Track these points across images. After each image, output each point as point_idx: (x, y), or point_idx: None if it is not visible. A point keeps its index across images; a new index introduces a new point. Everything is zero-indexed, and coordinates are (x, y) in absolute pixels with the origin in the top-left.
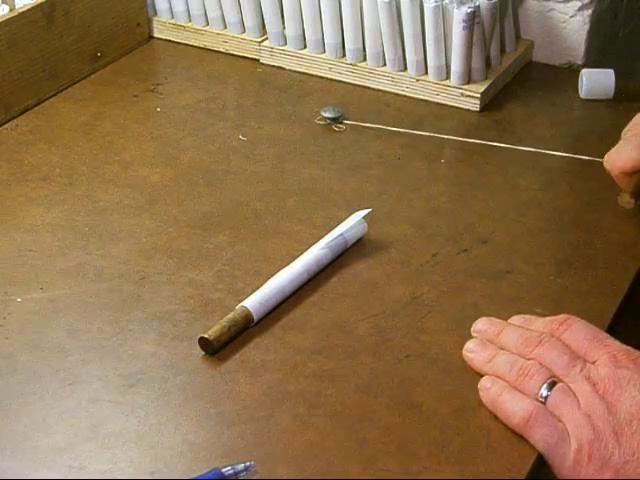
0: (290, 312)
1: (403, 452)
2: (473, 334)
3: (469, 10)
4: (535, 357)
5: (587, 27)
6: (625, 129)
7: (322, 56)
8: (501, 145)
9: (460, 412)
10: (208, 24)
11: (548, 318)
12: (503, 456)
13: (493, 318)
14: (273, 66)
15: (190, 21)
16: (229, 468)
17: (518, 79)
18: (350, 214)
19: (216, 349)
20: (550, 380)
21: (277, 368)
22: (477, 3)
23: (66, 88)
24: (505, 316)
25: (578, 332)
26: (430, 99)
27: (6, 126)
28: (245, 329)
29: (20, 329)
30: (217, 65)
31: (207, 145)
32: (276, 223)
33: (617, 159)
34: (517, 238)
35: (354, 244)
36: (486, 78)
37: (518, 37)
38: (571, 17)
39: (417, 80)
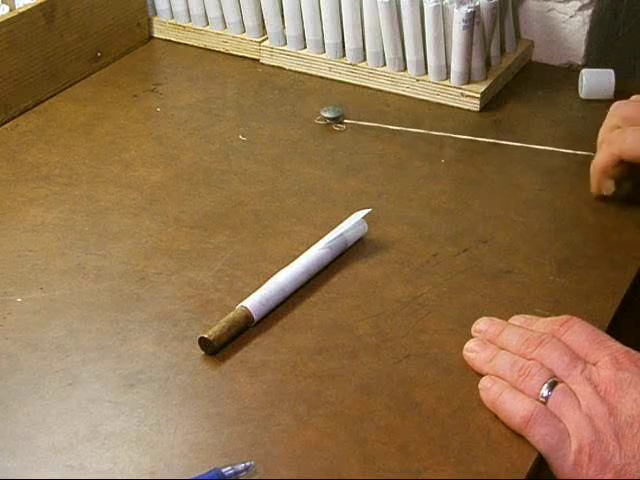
0: (290, 312)
1: (403, 452)
2: (474, 334)
3: (469, 10)
4: (536, 357)
5: (587, 27)
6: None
7: (322, 56)
8: (501, 145)
9: (460, 412)
10: (208, 24)
11: (549, 319)
12: (503, 456)
13: (494, 318)
14: (273, 66)
15: (190, 21)
16: (229, 468)
17: (518, 79)
18: (350, 214)
19: (216, 349)
20: (551, 380)
21: (277, 368)
22: (477, 3)
23: (66, 88)
24: (505, 316)
25: (579, 333)
26: (430, 99)
27: (6, 126)
28: (245, 329)
29: (20, 329)
30: (217, 65)
31: (207, 145)
32: (276, 223)
33: (596, 164)
34: (517, 238)
35: (354, 244)
36: (486, 78)
37: (518, 37)
38: (571, 17)
39: (417, 80)
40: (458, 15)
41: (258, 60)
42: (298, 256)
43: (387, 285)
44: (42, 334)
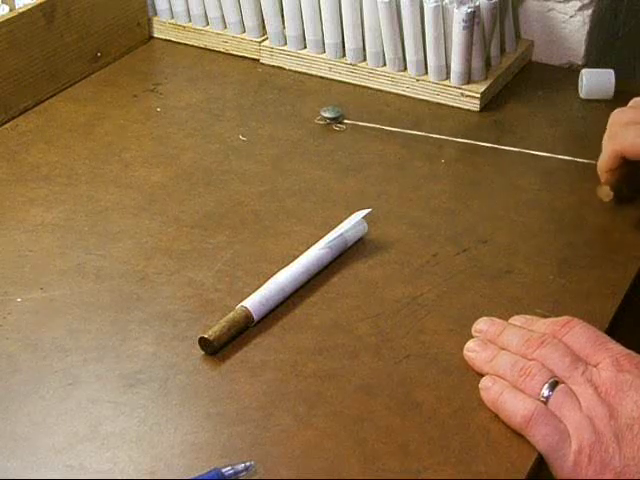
0: (290, 312)
1: (403, 452)
2: (474, 334)
3: (469, 10)
4: (537, 358)
5: (587, 27)
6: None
7: (322, 56)
8: (501, 145)
9: (460, 412)
10: (208, 24)
11: (550, 319)
12: (503, 456)
13: (494, 318)
14: (273, 66)
15: (190, 21)
16: (229, 468)
17: (518, 79)
18: (350, 214)
19: (216, 349)
20: (552, 380)
21: (277, 368)
22: (477, 3)
23: (66, 88)
24: (505, 316)
25: (580, 334)
26: (430, 99)
27: (6, 126)
28: (245, 329)
29: (20, 329)
30: (217, 65)
31: (207, 145)
32: (276, 223)
33: (600, 166)
34: (517, 238)
35: (354, 244)
36: (486, 78)
37: (518, 37)
38: (571, 17)
39: (417, 80)
40: (458, 15)
41: (258, 60)
42: (298, 256)
43: (387, 285)
44: (42, 334)
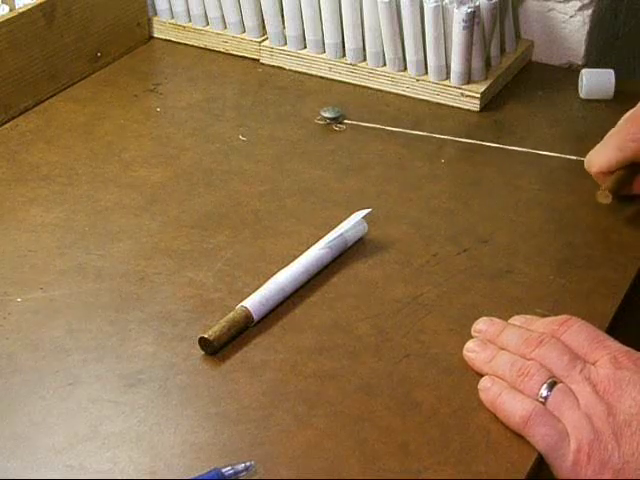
0: (290, 312)
1: (403, 452)
2: (473, 334)
3: (469, 10)
4: (535, 357)
5: (587, 27)
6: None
7: (322, 56)
8: (501, 145)
9: (460, 412)
10: (208, 24)
11: (548, 319)
12: (503, 456)
13: (494, 318)
14: (273, 66)
15: (190, 21)
16: (229, 468)
17: (518, 79)
18: (350, 214)
19: (216, 349)
20: (550, 380)
21: (277, 368)
22: (477, 3)
23: (66, 88)
24: (505, 316)
25: (578, 333)
26: (430, 99)
27: (6, 126)
28: (245, 329)
29: (20, 329)
30: (217, 65)
31: (207, 145)
32: (276, 223)
33: (594, 160)
34: (517, 238)
35: (354, 244)
36: (486, 78)
37: (518, 37)
38: (571, 17)
39: (417, 80)
40: (458, 15)
41: (258, 60)
42: (298, 256)
43: (387, 285)
44: (42, 334)
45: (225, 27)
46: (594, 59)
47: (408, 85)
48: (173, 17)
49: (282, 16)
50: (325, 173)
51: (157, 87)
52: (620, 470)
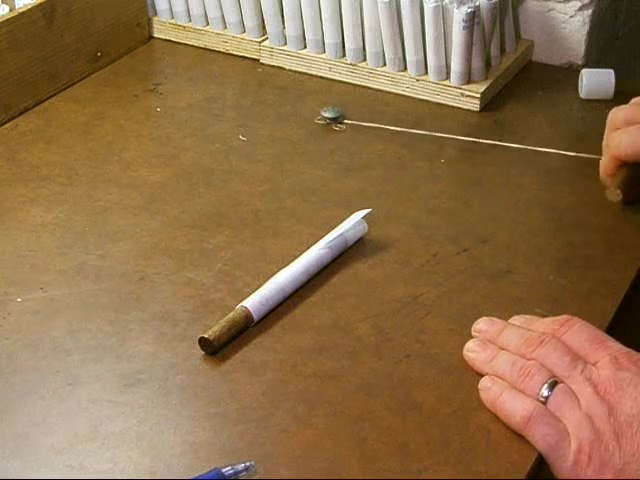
0: (290, 312)
1: (403, 452)
2: (474, 334)
3: (469, 10)
4: (536, 357)
5: (587, 27)
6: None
7: (322, 56)
8: (501, 145)
9: (460, 412)
10: (208, 24)
11: (549, 319)
12: (503, 456)
13: (494, 318)
14: (273, 66)
15: (190, 21)
16: (229, 468)
17: (518, 79)
18: (350, 214)
19: (216, 349)
20: (551, 380)
21: (277, 368)
22: (477, 3)
23: (66, 88)
24: (505, 316)
25: (579, 333)
26: (430, 99)
27: (6, 126)
28: (245, 329)
29: (20, 329)
30: (217, 65)
31: (207, 145)
32: (276, 223)
33: (602, 170)
34: (517, 238)
35: (354, 244)
36: (486, 78)
37: (518, 37)
38: (571, 17)
39: (417, 80)
40: (458, 15)
41: (258, 60)
42: (298, 256)
43: (387, 285)
44: (42, 334)
45: (225, 27)
46: (594, 59)
47: (408, 85)
48: (173, 17)
49: (282, 16)
50: (325, 173)
51: (157, 87)
52: (621, 471)
